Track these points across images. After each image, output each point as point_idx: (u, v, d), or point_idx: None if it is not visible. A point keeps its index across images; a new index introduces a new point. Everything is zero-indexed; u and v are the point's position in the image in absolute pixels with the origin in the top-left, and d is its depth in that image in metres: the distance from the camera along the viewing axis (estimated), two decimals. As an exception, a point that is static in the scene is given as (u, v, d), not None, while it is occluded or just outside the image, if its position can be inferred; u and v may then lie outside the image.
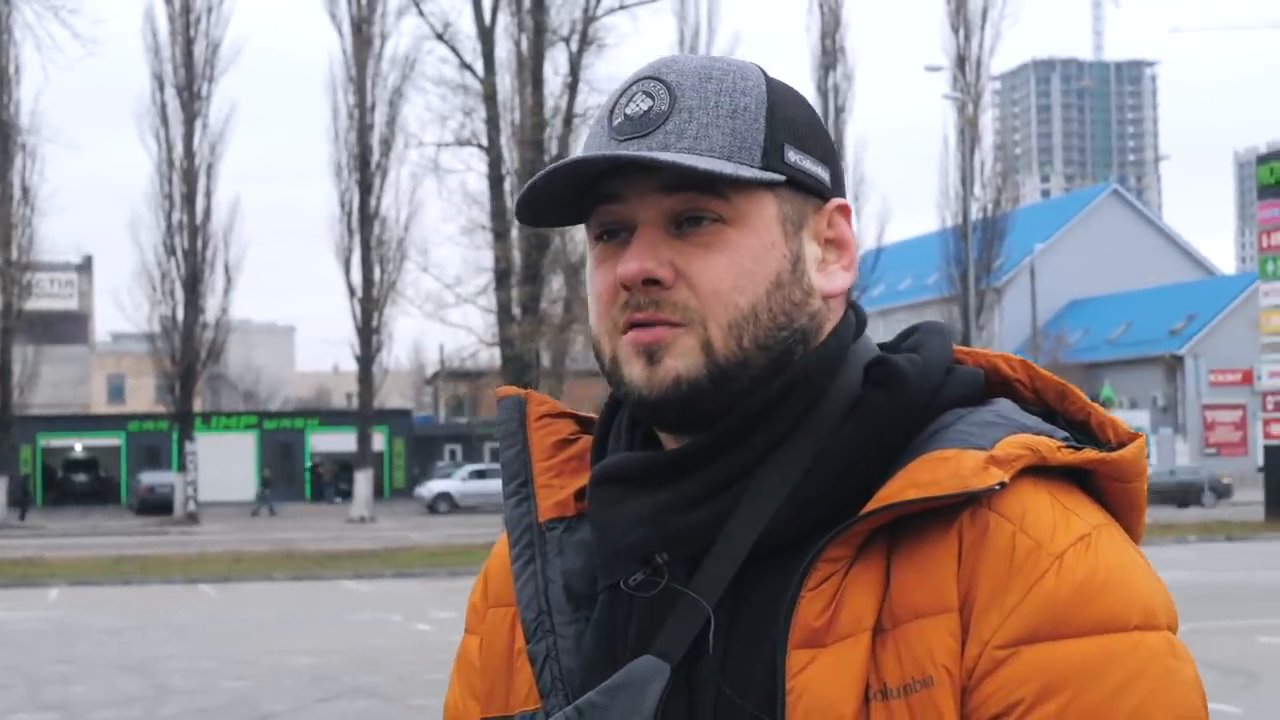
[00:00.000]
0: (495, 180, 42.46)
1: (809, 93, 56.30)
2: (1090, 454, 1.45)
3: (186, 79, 53.32)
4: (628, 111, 1.51)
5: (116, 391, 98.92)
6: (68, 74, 76.68)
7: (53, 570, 31.72)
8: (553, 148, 42.28)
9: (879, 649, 1.38)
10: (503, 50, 43.39)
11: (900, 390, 1.47)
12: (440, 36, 43.65)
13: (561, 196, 1.51)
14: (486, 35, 43.05)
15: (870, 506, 1.39)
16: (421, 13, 44.22)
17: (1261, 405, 42.67)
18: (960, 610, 1.38)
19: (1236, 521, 39.25)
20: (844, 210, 1.56)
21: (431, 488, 64.84)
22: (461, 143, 43.33)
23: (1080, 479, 1.47)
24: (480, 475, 64.19)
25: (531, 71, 42.58)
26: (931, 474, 1.39)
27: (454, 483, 65.01)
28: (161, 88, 53.56)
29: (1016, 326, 73.82)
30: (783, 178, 1.49)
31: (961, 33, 54.58)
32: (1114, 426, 1.52)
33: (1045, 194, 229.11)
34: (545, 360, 43.19)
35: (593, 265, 1.53)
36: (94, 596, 27.20)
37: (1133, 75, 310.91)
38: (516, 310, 40.76)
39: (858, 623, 1.38)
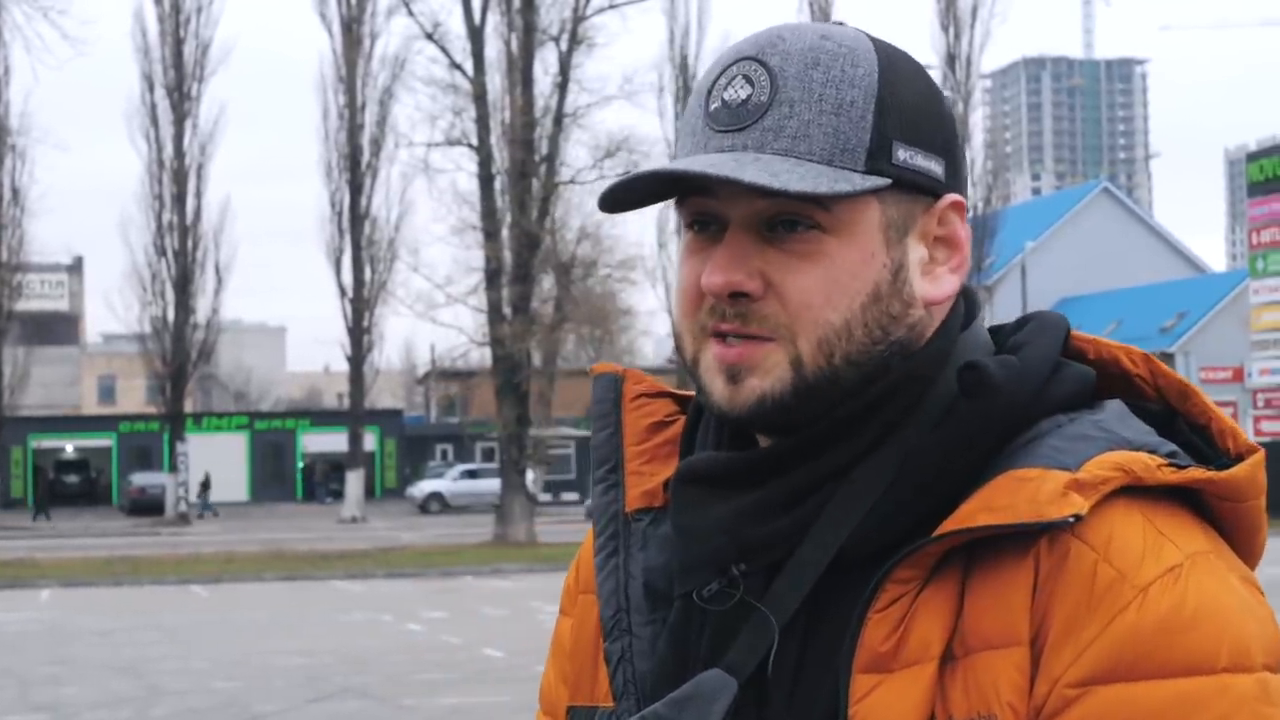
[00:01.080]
0: (485, 180, 42.24)
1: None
2: (1195, 473, 1.33)
3: (176, 79, 53.38)
4: (725, 97, 1.40)
5: (107, 392, 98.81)
6: (57, 75, 76.61)
7: (44, 571, 31.76)
8: (543, 147, 42.20)
9: (948, 678, 1.30)
10: (492, 50, 43.03)
11: (990, 400, 1.36)
12: (430, 36, 43.44)
13: (648, 190, 1.43)
14: (476, 35, 42.88)
15: (942, 529, 1.31)
16: (411, 13, 44.00)
17: (1252, 402, 42.73)
18: (1032, 644, 1.28)
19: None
20: (957, 206, 1.44)
21: (423, 488, 65.01)
22: (451, 142, 43.16)
23: (1188, 496, 1.35)
24: (472, 475, 64.48)
25: (521, 71, 42.26)
26: (1009, 498, 1.30)
27: (445, 482, 65.23)
28: (151, 88, 53.67)
29: (1007, 325, 74.16)
30: (887, 182, 1.38)
31: (951, 31, 54.70)
32: (1234, 436, 1.40)
33: (1036, 192, 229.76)
34: (536, 360, 43.25)
35: (683, 254, 1.44)
36: (86, 597, 27.21)
37: (1123, 73, 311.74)
38: (507, 310, 40.64)
39: (925, 650, 1.30)
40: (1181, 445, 1.38)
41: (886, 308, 1.39)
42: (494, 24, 42.97)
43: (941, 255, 1.43)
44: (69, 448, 75.23)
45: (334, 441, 68.05)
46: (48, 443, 73.87)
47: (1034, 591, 1.28)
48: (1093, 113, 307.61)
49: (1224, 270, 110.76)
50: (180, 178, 53.75)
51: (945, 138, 1.43)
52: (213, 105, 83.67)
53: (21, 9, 43.41)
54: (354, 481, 55.97)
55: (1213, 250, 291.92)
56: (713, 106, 1.40)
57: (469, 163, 42.97)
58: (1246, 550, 1.39)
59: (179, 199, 53.78)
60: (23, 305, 60.07)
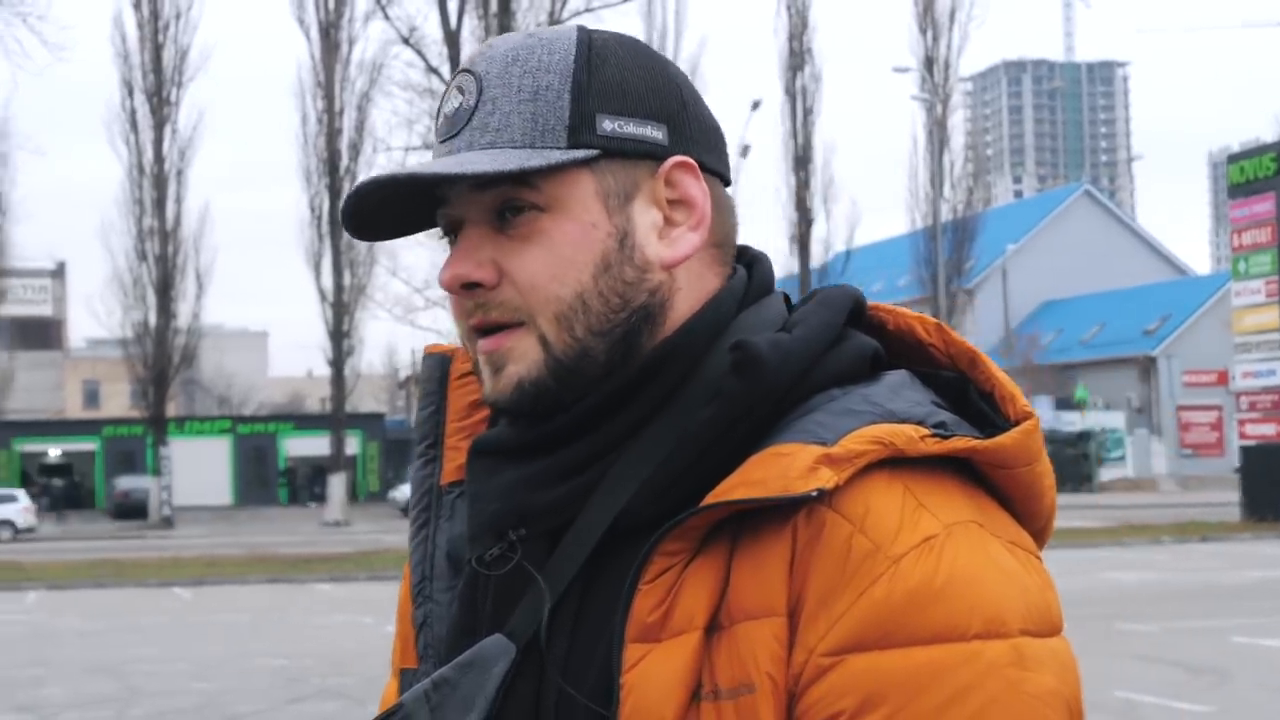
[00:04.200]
0: None
1: (775, 94, 55.96)
2: (957, 443, 1.34)
3: (156, 85, 53.09)
4: (444, 110, 1.46)
5: (91, 397, 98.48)
6: (37, 81, 76.29)
7: (29, 574, 31.65)
8: None
9: (714, 648, 1.31)
10: (469, 54, 43.00)
11: (756, 377, 1.37)
12: (407, 41, 43.15)
13: (393, 217, 1.49)
14: (453, 39, 42.56)
15: (703, 503, 1.32)
16: (388, 17, 43.72)
17: (1235, 405, 42.76)
18: (790, 615, 1.29)
19: (1213, 522, 39.25)
20: (684, 167, 1.45)
21: (405, 491, 64.46)
22: (429, 146, 42.83)
23: (963, 466, 1.37)
24: (455, 478, 64.16)
25: None
26: (764, 472, 1.31)
27: (428, 486, 64.87)
28: (130, 93, 53.37)
29: (990, 328, 73.89)
30: (593, 152, 1.41)
31: (929, 34, 54.40)
32: (1014, 402, 1.42)
33: (1018, 194, 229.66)
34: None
35: None
36: (70, 600, 27.10)
37: (1104, 75, 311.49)
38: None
39: (690, 620, 1.31)
40: (974, 413, 1.41)
41: (619, 274, 1.41)
42: (470, 28, 42.63)
43: (680, 216, 1.45)
44: (54, 451, 75.01)
45: (317, 445, 67.82)
46: (33, 446, 73.70)
47: (791, 563, 1.29)
48: (1074, 115, 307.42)
49: (1210, 273, 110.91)
50: (160, 183, 53.47)
51: (665, 104, 1.45)
52: (192, 111, 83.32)
53: (1, 15, 43.22)
54: (336, 485, 55.77)
55: (1197, 253, 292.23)
56: (439, 123, 1.46)
57: (448, 167, 42.84)
58: (1031, 515, 1.41)
59: (159, 204, 53.49)
60: (6, 310, 59.92)
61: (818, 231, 52.45)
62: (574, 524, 1.40)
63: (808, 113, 52.99)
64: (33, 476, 71.15)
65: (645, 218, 1.43)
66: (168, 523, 55.91)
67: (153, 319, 54.43)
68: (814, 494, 1.27)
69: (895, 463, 1.31)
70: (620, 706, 1.30)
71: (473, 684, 1.39)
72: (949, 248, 54.16)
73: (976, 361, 1.44)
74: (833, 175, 59.92)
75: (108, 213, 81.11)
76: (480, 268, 1.41)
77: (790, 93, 52.89)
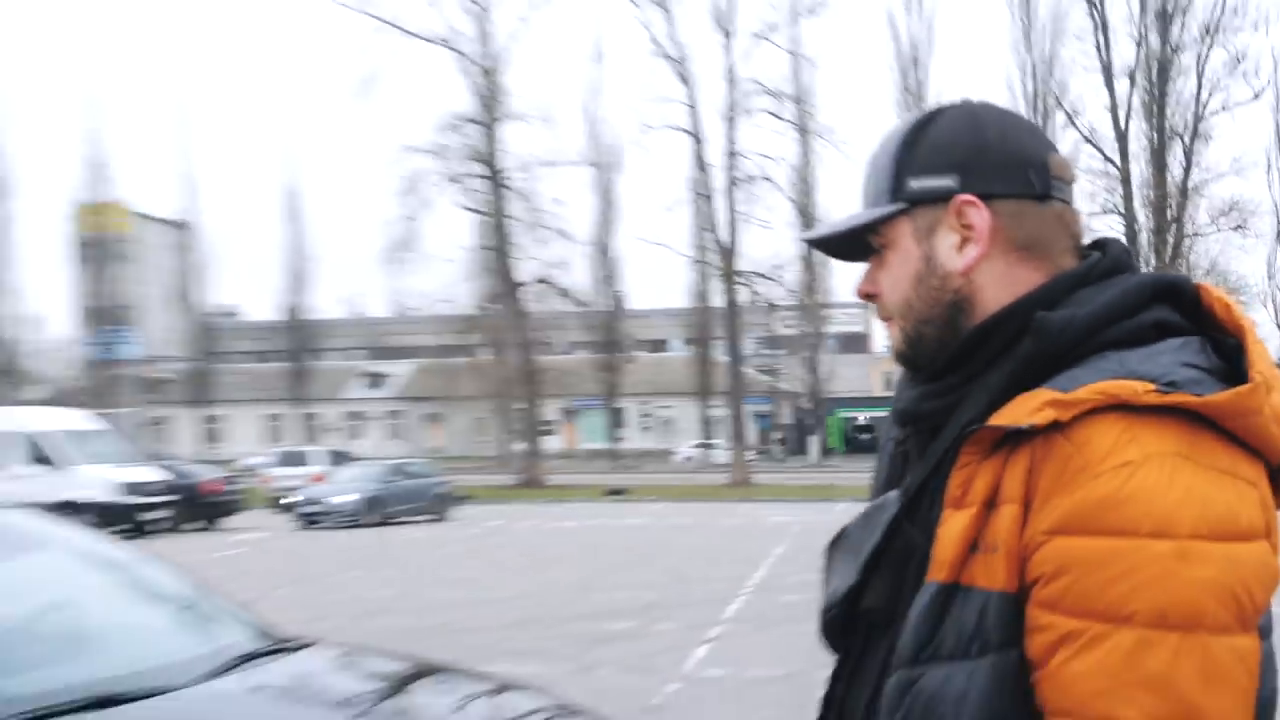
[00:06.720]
0: (1129, 237, 52.52)
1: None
2: (1174, 397, 1.63)
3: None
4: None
5: (887, 382, 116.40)
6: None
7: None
8: (1174, 211, 54.22)
9: (987, 519, 1.70)
10: (1135, 145, 54.46)
11: (1040, 342, 1.75)
12: (1089, 140, 54.83)
13: (844, 248, 1.99)
14: (1122, 136, 54.60)
15: (986, 424, 1.71)
16: (1075, 124, 55.32)
17: None
18: (1024, 505, 1.67)
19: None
20: (968, 202, 1.83)
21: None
22: (1106, 212, 54.20)
23: (1198, 416, 1.64)
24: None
25: (1156, 159, 53.80)
26: (1015, 408, 1.69)
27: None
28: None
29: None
30: (900, 205, 1.87)
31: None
32: (1253, 366, 1.70)
33: None
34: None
35: None
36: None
37: None
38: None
39: (975, 499, 1.71)
40: (1239, 372, 1.70)
41: (928, 284, 1.87)
42: (1135, 128, 54.41)
43: (971, 236, 1.85)
44: (861, 418, 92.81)
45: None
46: (846, 414, 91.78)
47: (1029, 470, 1.67)
48: None
49: None
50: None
51: (958, 158, 1.85)
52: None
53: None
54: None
55: None
56: None
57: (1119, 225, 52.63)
58: (1268, 453, 1.69)
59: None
60: (833, 329, 68.97)
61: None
62: (941, 430, 1.85)
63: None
64: (849, 435, 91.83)
65: (945, 242, 1.86)
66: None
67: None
68: (1026, 427, 1.66)
69: (1129, 408, 1.63)
70: (934, 546, 1.75)
71: (877, 519, 1.89)
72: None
73: (1243, 332, 1.77)
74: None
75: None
76: (867, 285, 1.95)
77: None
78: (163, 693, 4.45)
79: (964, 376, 1.84)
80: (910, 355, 1.92)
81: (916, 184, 1.86)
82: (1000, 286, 1.85)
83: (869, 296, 1.94)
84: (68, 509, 27.34)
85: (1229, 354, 1.76)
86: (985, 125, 1.87)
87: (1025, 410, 1.68)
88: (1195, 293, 1.83)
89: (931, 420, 1.88)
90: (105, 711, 4.24)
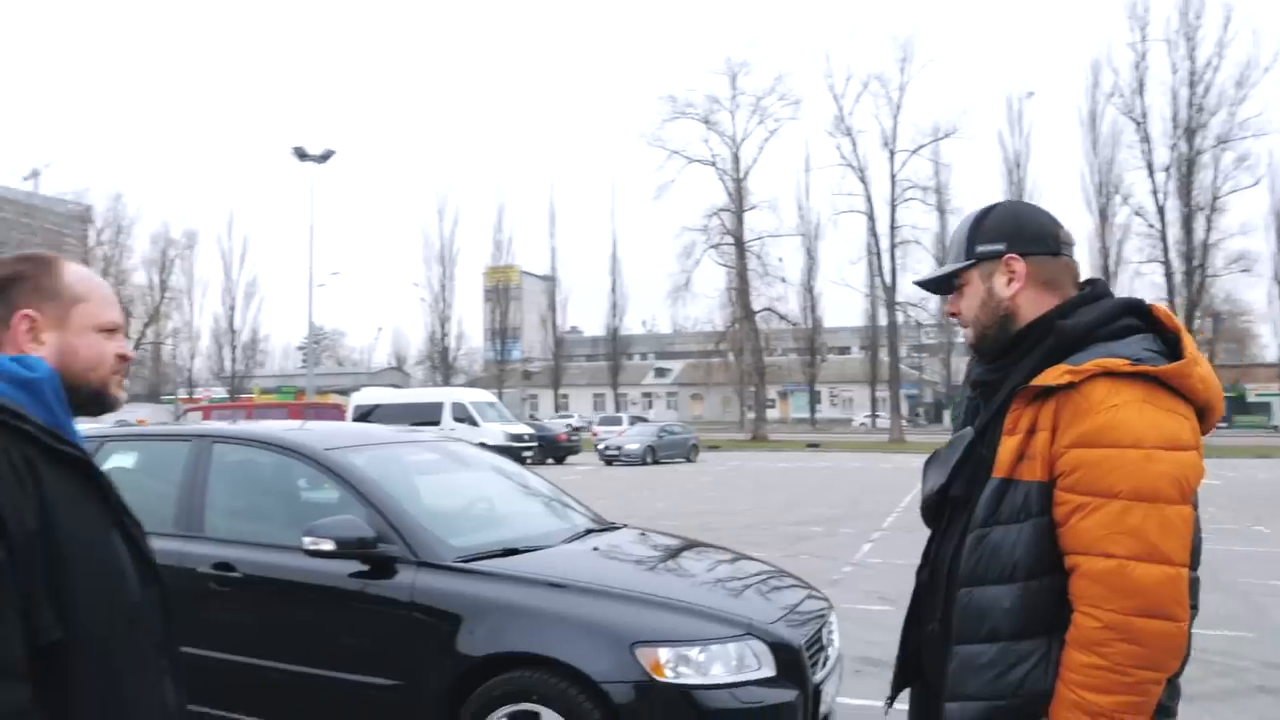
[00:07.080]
0: (1168, 276, 64.49)
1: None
2: (1141, 368, 2.48)
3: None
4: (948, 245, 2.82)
5: None
6: None
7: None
8: (1199, 260, 64.59)
9: (1031, 440, 2.56)
10: (1170, 215, 64.47)
11: (1059, 337, 2.65)
12: (1138, 213, 65.71)
13: (941, 285, 2.90)
14: (1161, 210, 64.43)
15: (1028, 386, 2.63)
16: (1128, 204, 66.22)
17: None
18: (1053, 431, 2.51)
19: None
20: (1011, 259, 2.77)
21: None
22: (1150, 260, 66.03)
23: (1158, 380, 2.54)
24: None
25: (1186, 225, 63.50)
26: (1045, 376, 2.56)
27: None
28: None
29: None
30: (972, 260, 2.80)
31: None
32: (1186, 349, 2.62)
33: None
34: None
35: None
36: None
37: None
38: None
39: (1021, 429, 2.58)
40: (1178, 355, 2.64)
41: (988, 306, 2.78)
42: (1171, 205, 64.49)
43: (1014, 277, 2.81)
44: None
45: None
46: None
47: (1056, 411, 2.53)
48: None
49: None
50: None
51: (1007, 233, 2.81)
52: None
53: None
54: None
55: None
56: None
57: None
58: (1197, 399, 2.59)
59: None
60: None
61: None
62: (998, 391, 2.74)
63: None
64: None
65: (999, 281, 2.79)
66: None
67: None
68: (1054, 386, 2.56)
69: (1114, 374, 2.50)
70: (996, 457, 2.62)
71: (958, 447, 2.76)
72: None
73: (1179, 329, 2.65)
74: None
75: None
76: (952, 308, 2.86)
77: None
78: (541, 549, 6.59)
79: (1012, 359, 2.78)
80: (979, 347, 2.86)
81: (981, 248, 2.84)
82: (1032, 307, 2.80)
83: (954, 314, 2.90)
84: (481, 448, 46.25)
85: (1171, 343, 2.68)
86: (1021, 213, 2.88)
87: (1051, 376, 2.57)
88: (1149, 308, 2.73)
89: (992, 386, 2.82)
90: (510, 558, 6.29)
